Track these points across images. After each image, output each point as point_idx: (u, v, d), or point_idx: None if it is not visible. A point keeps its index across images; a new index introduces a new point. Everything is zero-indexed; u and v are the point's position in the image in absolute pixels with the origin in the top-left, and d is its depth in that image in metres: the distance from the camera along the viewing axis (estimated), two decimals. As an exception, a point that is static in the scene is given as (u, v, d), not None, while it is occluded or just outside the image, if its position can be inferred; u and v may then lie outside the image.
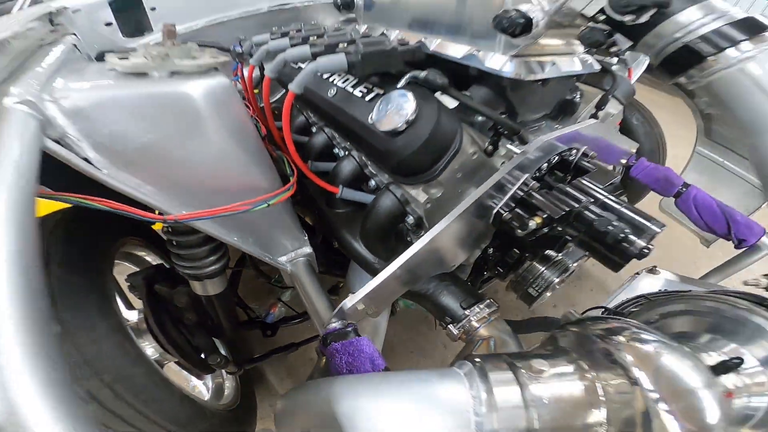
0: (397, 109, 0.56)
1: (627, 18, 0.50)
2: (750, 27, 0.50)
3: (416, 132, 0.55)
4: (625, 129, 1.44)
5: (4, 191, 0.27)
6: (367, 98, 0.63)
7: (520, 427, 0.29)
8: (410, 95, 0.56)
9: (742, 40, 0.50)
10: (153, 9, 0.92)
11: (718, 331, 0.43)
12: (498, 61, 0.58)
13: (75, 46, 0.67)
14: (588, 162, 0.66)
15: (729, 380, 0.39)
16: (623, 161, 0.99)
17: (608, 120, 0.91)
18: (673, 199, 0.81)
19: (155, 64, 0.49)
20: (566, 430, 0.31)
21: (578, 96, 0.81)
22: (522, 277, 0.73)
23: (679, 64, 0.53)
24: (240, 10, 0.98)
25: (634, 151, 0.92)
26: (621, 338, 0.33)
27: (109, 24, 0.90)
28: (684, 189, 0.81)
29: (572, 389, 0.32)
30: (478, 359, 0.35)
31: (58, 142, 0.44)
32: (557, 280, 0.70)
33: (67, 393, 0.25)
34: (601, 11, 0.52)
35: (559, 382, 0.32)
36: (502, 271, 0.74)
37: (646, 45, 0.54)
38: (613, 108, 0.88)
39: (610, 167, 0.86)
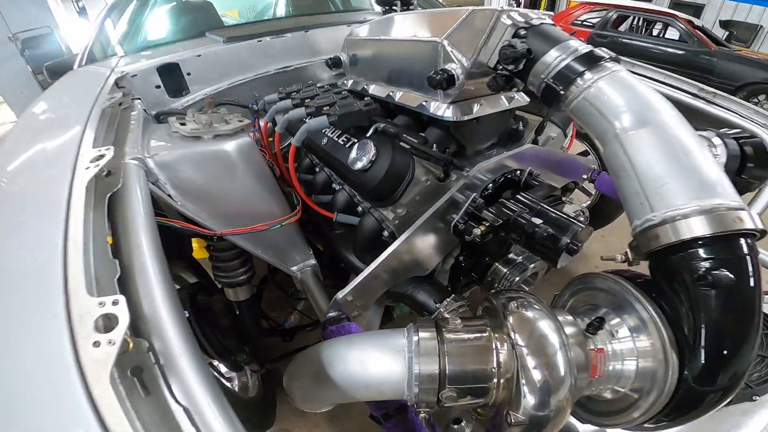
0: (364, 153, 0.76)
1: (510, 67, 0.67)
2: (589, 59, 0.60)
3: (378, 169, 0.75)
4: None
5: (144, 217, 0.46)
6: (347, 145, 0.84)
7: (434, 356, 0.46)
8: (371, 143, 0.76)
9: (583, 71, 0.59)
10: (189, 74, 1.16)
11: (609, 305, 0.58)
12: (440, 108, 0.78)
13: (144, 109, 0.90)
14: (533, 179, 0.83)
15: (601, 340, 0.54)
16: (585, 177, 1.16)
17: (550, 142, 1.08)
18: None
19: (204, 130, 0.72)
20: (468, 366, 0.47)
21: (521, 125, 0.99)
22: (490, 279, 0.90)
23: (549, 98, 0.63)
24: (253, 74, 1.22)
25: (594, 167, 1.08)
26: (513, 306, 0.50)
27: (158, 87, 1.14)
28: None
29: (474, 340, 0.49)
30: (417, 322, 0.52)
31: (154, 183, 0.65)
32: (518, 278, 0.86)
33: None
34: (497, 63, 0.69)
35: (466, 334, 0.49)
36: (476, 276, 0.91)
37: (531, 85, 0.68)
38: (552, 132, 1.06)
39: (567, 181, 1.03)
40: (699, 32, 4.44)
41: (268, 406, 1.22)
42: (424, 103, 0.82)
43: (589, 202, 1.67)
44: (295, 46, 1.31)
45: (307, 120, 0.84)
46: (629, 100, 0.55)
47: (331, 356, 0.50)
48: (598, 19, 5.44)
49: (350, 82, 1.08)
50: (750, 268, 0.44)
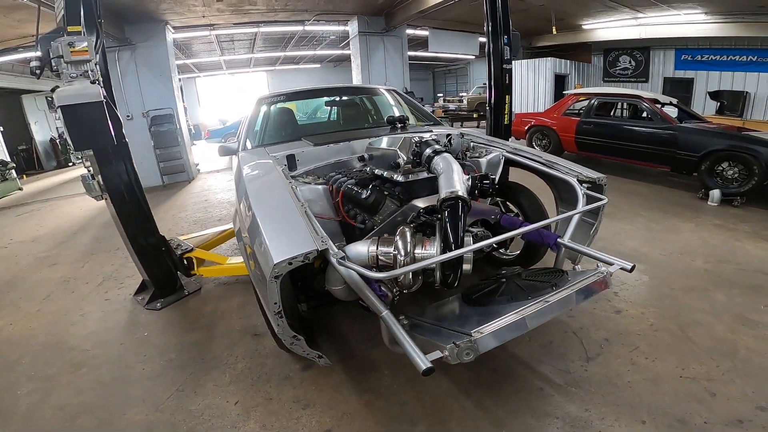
0: (365, 192, 2.03)
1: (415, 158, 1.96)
2: (435, 152, 1.92)
3: (369, 198, 2.01)
4: (516, 204, 2.72)
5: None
6: (360, 191, 2.09)
7: (363, 254, 1.64)
8: (368, 189, 2.04)
9: (433, 156, 1.88)
10: (298, 160, 2.51)
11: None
12: (398, 176, 2.04)
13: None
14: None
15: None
16: (493, 217, 2.35)
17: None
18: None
19: (320, 183, 2.03)
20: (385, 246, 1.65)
21: None
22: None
23: (426, 166, 1.95)
24: (325, 162, 2.50)
25: (497, 210, 2.28)
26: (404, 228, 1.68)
27: (285, 165, 2.48)
28: (521, 222, 2.15)
29: (385, 246, 1.66)
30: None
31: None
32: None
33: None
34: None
35: (382, 244, 1.67)
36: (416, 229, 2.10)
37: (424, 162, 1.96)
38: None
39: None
40: (660, 110, 5.35)
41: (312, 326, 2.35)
42: (391, 175, 2.09)
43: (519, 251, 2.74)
44: (346, 149, 2.63)
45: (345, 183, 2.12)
46: (442, 162, 1.81)
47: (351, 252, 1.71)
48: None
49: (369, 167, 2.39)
50: (457, 209, 1.59)
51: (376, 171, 2.22)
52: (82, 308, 2.92)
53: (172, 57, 7.53)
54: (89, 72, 2.23)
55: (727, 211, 4.22)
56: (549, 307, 1.47)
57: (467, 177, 1.81)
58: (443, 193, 1.64)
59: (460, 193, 1.61)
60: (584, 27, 10.61)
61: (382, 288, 1.72)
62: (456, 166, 1.82)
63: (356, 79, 9.21)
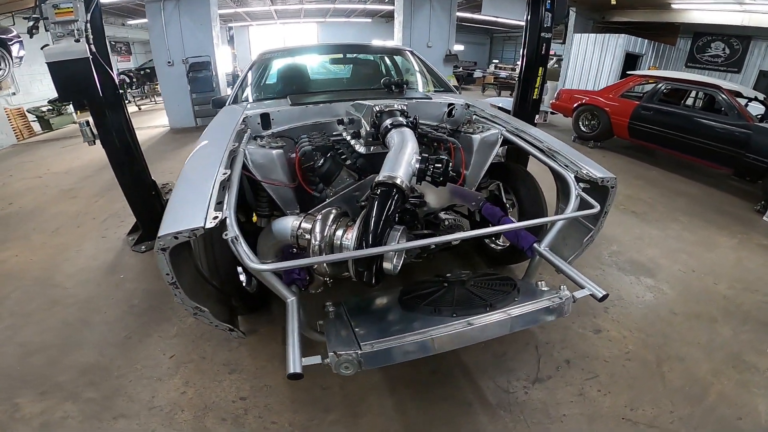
0: (320, 161, 1.89)
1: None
2: (393, 124, 1.72)
3: (324, 166, 1.86)
4: (513, 190, 2.43)
5: (238, 170, 1.61)
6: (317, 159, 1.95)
7: (287, 231, 1.51)
8: (323, 158, 1.89)
9: (390, 128, 1.65)
10: (272, 119, 2.38)
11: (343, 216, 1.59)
12: (360, 147, 1.85)
13: (249, 133, 2.12)
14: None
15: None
16: (473, 203, 2.11)
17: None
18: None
19: (276, 146, 1.89)
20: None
21: None
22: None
23: (382, 139, 1.77)
24: (301, 123, 2.38)
25: (480, 197, 2.04)
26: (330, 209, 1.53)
27: (258, 123, 2.37)
28: (502, 216, 1.92)
29: (309, 224, 1.52)
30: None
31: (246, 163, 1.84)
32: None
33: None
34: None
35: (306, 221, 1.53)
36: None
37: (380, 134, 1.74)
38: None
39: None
40: (740, 105, 4.55)
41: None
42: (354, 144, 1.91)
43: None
44: (326, 111, 2.45)
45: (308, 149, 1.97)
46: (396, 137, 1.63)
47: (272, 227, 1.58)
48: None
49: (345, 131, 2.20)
50: (388, 198, 1.38)
51: (344, 137, 2.04)
52: (80, 244, 3.13)
53: (213, 6, 7.52)
54: (74, 31, 2.27)
55: (786, 231, 3.56)
56: (470, 331, 1.28)
57: (417, 159, 1.58)
58: (381, 175, 1.45)
59: (397, 181, 1.41)
60: (674, 6, 9.10)
61: (300, 271, 1.61)
62: (410, 145, 1.60)
63: (397, 38, 8.68)
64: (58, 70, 2.21)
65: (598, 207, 1.65)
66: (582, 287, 1.43)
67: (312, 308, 2.04)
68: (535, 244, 1.71)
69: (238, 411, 1.66)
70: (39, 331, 2.15)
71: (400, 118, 1.75)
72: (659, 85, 5.59)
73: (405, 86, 2.74)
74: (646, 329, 2.14)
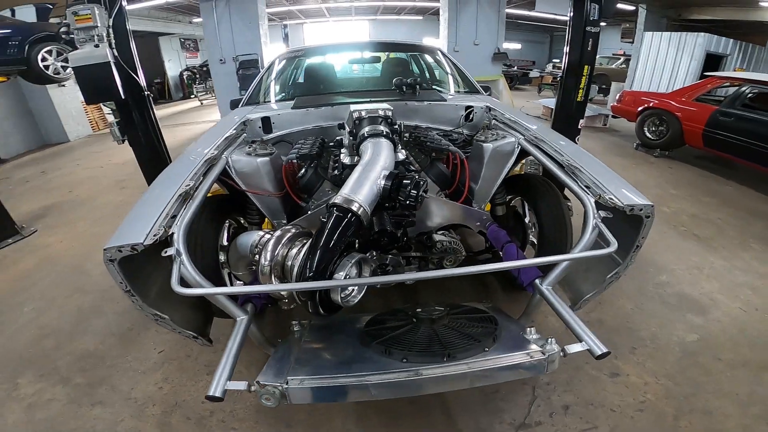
0: (305, 170, 1.80)
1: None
2: (370, 134, 1.58)
3: (307, 175, 1.77)
4: (533, 209, 2.04)
5: (215, 176, 1.59)
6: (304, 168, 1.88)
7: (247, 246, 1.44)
8: (309, 168, 1.79)
9: (366, 138, 1.51)
10: (273, 123, 2.35)
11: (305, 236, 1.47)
12: (346, 158, 1.74)
13: (244, 138, 2.11)
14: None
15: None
16: (478, 223, 1.90)
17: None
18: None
19: (262, 153, 1.84)
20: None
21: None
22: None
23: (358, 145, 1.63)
24: (302, 127, 2.33)
25: (485, 216, 1.85)
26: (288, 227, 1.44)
27: (260, 127, 2.37)
28: (506, 243, 1.71)
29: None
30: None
31: (229, 167, 1.81)
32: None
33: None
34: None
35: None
36: None
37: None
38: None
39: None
40: None
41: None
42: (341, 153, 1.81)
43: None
44: (330, 114, 2.36)
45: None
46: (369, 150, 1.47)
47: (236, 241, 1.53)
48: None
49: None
50: (339, 225, 1.19)
51: (344, 143, 1.94)
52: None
53: (261, 4, 7.78)
54: (95, 36, 2.44)
55: None
56: (416, 381, 1.12)
57: (383, 177, 1.38)
58: (338, 195, 1.26)
59: (353, 207, 1.22)
60: (762, 4, 7.82)
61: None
62: (381, 160, 1.45)
63: (442, 35, 8.39)
64: (82, 73, 2.37)
65: (616, 245, 1.24)
66: (580, 340, 1.18)
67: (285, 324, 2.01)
68: (537, 280, 1.46)
69: (204, 412, 1.66)
70: (56, 316, 2.34)
71: (380, 127, 1.61)
72: (743, 88, 4.80)
73: (419, 87, 2.56)
74: (675, 376, 1.80)
